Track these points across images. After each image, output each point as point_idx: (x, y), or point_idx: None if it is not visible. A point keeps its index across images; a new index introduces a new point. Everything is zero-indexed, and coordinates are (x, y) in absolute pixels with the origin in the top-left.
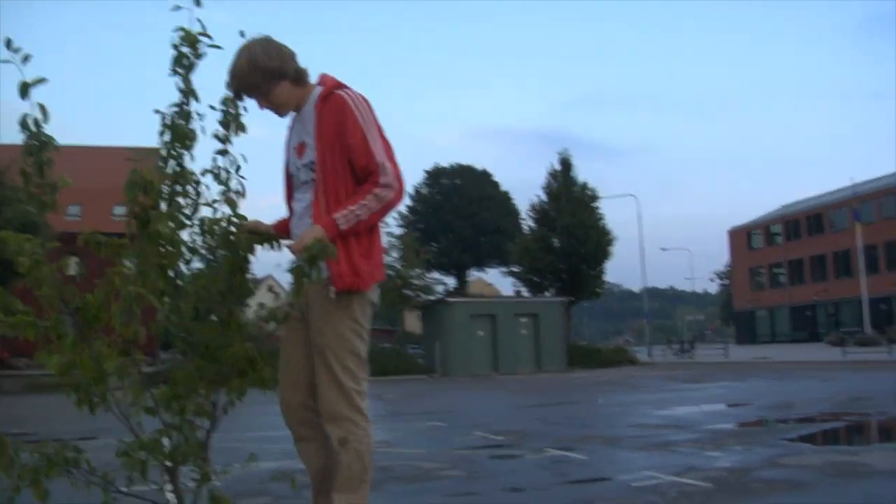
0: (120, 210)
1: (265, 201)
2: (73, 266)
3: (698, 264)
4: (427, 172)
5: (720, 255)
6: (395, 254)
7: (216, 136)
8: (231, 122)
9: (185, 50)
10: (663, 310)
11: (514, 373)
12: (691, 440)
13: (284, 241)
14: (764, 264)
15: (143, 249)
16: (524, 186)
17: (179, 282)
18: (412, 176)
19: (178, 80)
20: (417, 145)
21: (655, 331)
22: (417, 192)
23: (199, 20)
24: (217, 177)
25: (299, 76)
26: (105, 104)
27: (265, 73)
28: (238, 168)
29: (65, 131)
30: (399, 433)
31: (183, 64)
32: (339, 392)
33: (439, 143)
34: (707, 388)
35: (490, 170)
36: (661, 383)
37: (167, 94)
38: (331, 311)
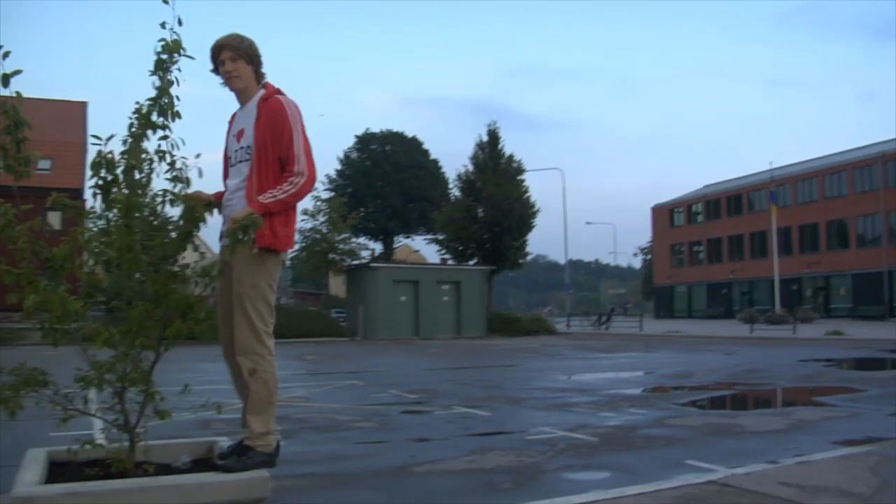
0: (44, 164)
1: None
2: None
3: (623, 239)
4: (357, 137)
5: (644, 231)
6: (322, 217)
7: (158, 126)
8: (168, 111)
9: (164, 56)
10: (588, 282)
11: (434, 338)
12: (590, 402)
13: (219, 210)
14: (684, 241)
15: (104, 213)
16: (453, 156)
17: (139, 241)
18: (342, 140)
19: (155, 79)
20: (349, 108)
21: (579, 303)
22: (347, 156)
23: (176, 33)
24: (162, 157)
25: (259, 74)
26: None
27: (249, 50)
28: (179, 151)
29: (34, 83)
30: (317, 390)
31: (161, 67)
32: (251, 330)
33: (370, 108)
34: (616, 358)
35: (420, 138)
36: (574, 352)
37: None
38: (250, 266)
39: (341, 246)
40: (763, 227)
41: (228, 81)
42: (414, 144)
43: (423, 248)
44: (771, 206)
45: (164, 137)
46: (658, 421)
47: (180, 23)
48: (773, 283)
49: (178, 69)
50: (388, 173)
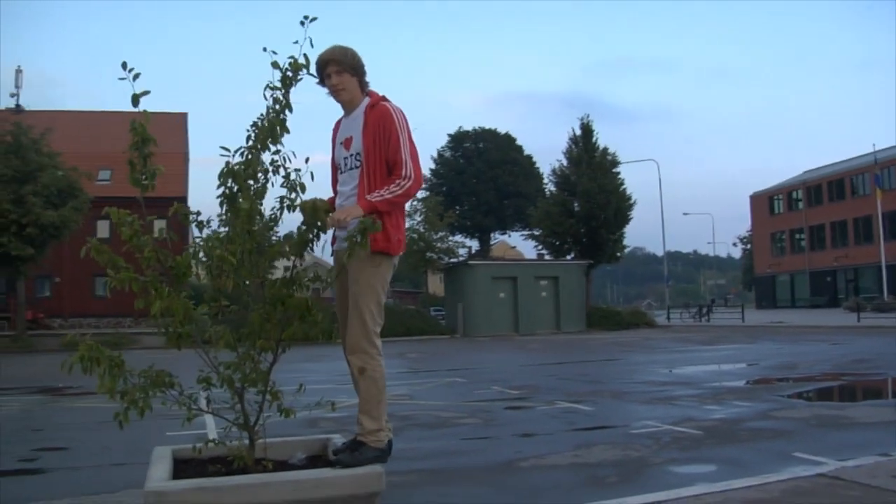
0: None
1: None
2: (104, 229)
3: (721, 229)
4: (450, 136)
5: (743, 220)
6: (418, 217)
7: (277, 138)
8: (278, 126)
9: (289, 73)
10: (687, 274)
11: (533, 333)
12: (693, 395)
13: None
14: (785, 229)
15: (230, 221)
16: (547, 151)
17: (259, 245)
18: (436, 139)
19: (278, 93)
20: (441, 108)
21: (678, 294)
22: (441, 155)
23: (305, 55)
24: (276, 170)
25: (364, 83)
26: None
27: (353, 61)
28: (291, 163)
29: (94, 96)
30: (420, 388)
31: (286, 83)
32: (363, 330)
33: (462, 107)
34: (718, 350)
35: (513, 134)
36: (675, 345)
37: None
38: (365, 267)
39: (438, 244)
40: (868, 211)
41: (335, 94)
42: (507, 141)
43: (520, 243)
44: (876, 189)
45: (277, 152)
46: (763, 413)
47: (312, 44)
48: (881, 270)
49: (275, 88)
50: (482, 170)
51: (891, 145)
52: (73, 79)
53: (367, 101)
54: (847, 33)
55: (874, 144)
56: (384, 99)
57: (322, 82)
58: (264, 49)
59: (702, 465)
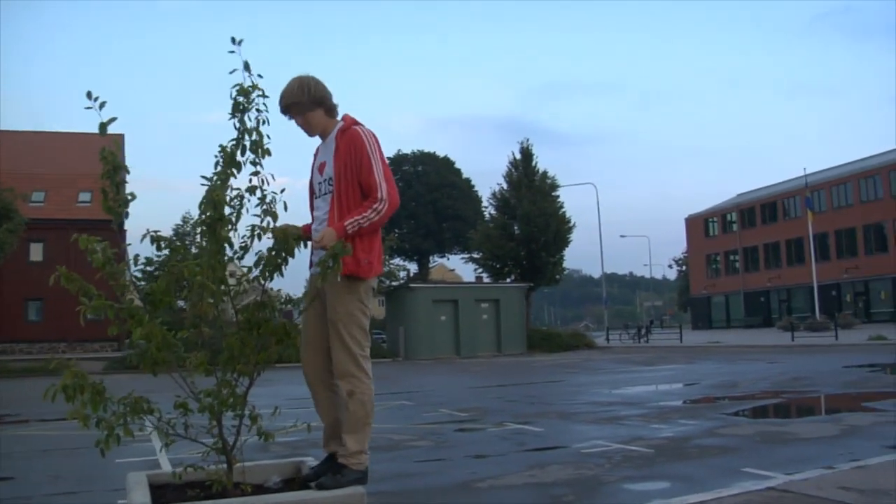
0: (85, 196)
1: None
2: (37, 252)
3: (657, 251)
4: (389, 159)
5: (678, 242)
6: None
7: (250, 162)
8: (259, 149)
9: (240, 99)
10: (623, 295)
11: (475, 356)
12: (639, 415)
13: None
14: (720, 251)
15: (208, 249)
16: (487, 174)
17: (232, 273)
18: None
19: (235, 121)
20: (380, 131)
21: (615, 316)
22: (384, 161)
23: (250, 78)
24: (252, 192)
25: (331, 109)
26: (67, 90)
27: (310, 98)
28: (268, 186)
29: (31, 117)
30: None
31: (238, 109)
32: (348, 355)
33: (401, 130)
34: (659, 370)
35: (452, 157)
36: (616, 366)
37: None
38: (342, 293)
39: None
40: (799, 233)
41: (306, 132)
42: (446, 164)
43: (459, 266)
44: (807, 211)
45: (256, 174)
46: (710, 431)
47: (247, 68)
48: (812, 290)
49: (258, 109)
50: (421, 193)
51: (820, 169)
52: (7, 98)
53: (339, 125)
54: (777, 60)
55: (805, 168)
56: (356, 123)
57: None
58: (231, 72)
59: (655, 482)
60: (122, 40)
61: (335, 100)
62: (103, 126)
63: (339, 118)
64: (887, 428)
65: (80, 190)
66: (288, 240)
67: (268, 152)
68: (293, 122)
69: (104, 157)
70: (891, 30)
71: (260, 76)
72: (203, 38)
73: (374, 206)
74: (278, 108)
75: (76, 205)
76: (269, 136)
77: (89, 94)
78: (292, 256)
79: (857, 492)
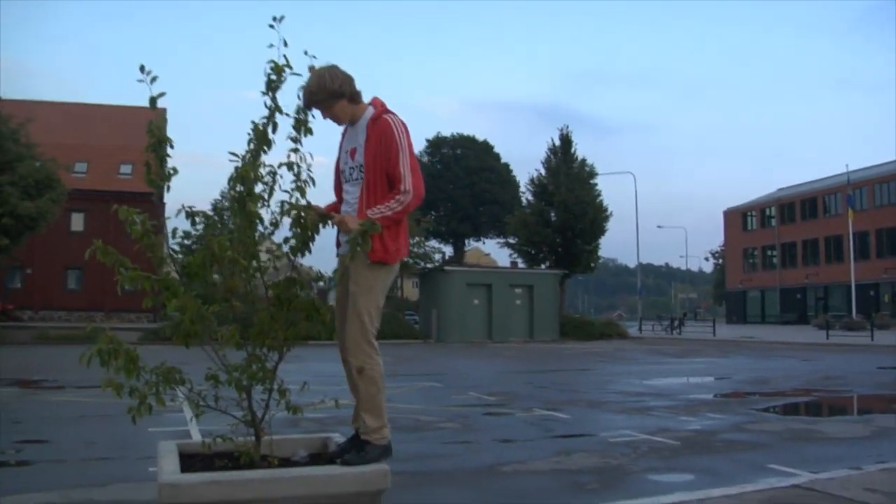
0: (126, 168)
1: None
2: (78, 222)
3: (694, 243)
4: (428, 141)
5: (715, 235)
6: None
7: (290, 138)
8: (301, 127)
9: (272, 77)
10: (658, 286)
11: (507, 341)
12: (668, 406)
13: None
14: (757, 245)
15: (239, 224)
16: (524, 160)
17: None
18: (414, 144)
19: (267, 98)
20: (419, 113)
21: (649, 307)
22: (418, 160)
23: (284, 56)
24: (290, 168)
25: (354, 97)
26: (112, 61)
27: (329, 93)
28: (308, 163)
29: (72, 88)
30: (397, 391)
31: (272, 87)
32: (361, 331)
33: (441, 113)
34: (690, 363)
35: (491, 141)
36: (648, 356)
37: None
38: (367, 270)
39: (414, 249)
40: (839, 231)
41: (335, 122)
42: (485, 148)
43: (494, 251)
44: (848, 209)
45: (295, 150)
46: (737, 426)
47: (286, 44)
48: (850, 289)
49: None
50: (460, 177)
51: (863, 166)
52: (51, 70)
53: (370, 111)
54: (825, 53)
55: (847, 165)
56: (386, 111)
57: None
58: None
59: (680, 473)
60: (165, 11)
61: (360, 85)
62: (153, 100)
63: (367, 102)
64: None
65: (122, 162)
66: (307, 222)
67: (310, 131)
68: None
69: (150, 131)
70: None
71: (307, 53)
72: (247, 15)
73: (398, 197)
74: (304, 107)
75: (117, 176)
76: (313, 116)
77: (142, 68)
78: (312, 239)
79: (882, 494)
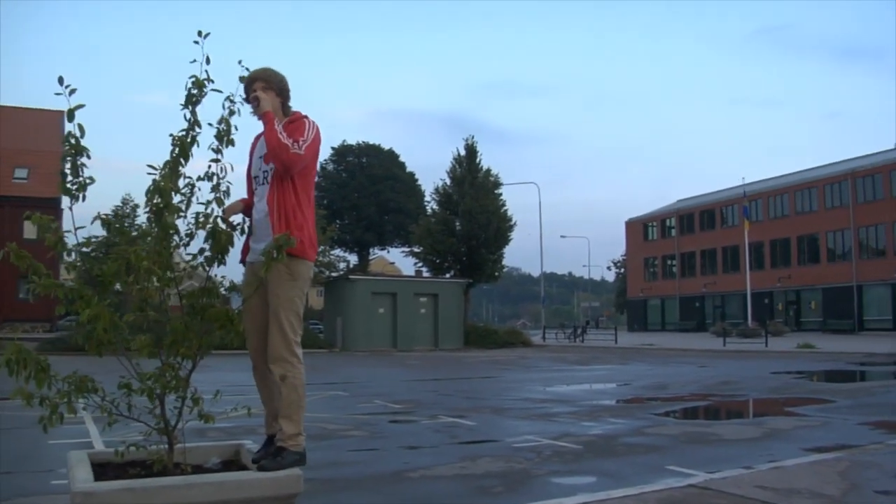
0: (21, 173)
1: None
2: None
3: (596, 252)
4: (333, 149)
5: (617, 245)
6: None
7: (212, 149)
8: (224, 138)
9: (193, 91)
10: (561, 295)
11: (411, 349)
12: (571, 412)
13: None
14: (658, 255)
15: (156, 235)
16: (430, 169)
17: (178, 260)
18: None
19: (186, 112)
20: (324, 121)
21: (553, 315)
22: (323, 168)
23: (206, 72)
24: (210, 179)
25: (286, 107)
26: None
27: (280, 84)
28: (225, 174)
29: (12, 92)
30: None
31: (191, 101)
32: (284, 340)
33: (346, 121)
34: (593, 370)
35: (397, 150)
36: (551, 364)
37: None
38: (284, 280)
39: (319, 258)
40: (736, 241)
41: (255, 109)
42: (390, 157)
43: (399, 260)
44: (744, 220)
45: (216, 161)
46: (637, 430)
47: (208, 61)
48: (746, 297)
49: (230, 100)
50: (365, 185)
51: (758, 179)
52: None
53: (285, 120)
54: (718, 71)
55: (743, 178)
56: (305, 116)
57: (248, 99)
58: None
59: (582, 476)
60: (60, 6)
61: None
62: (71, 112)
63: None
64: (807, 431)
65: (17, 166)
66: (221, 237)
67: (231, 142)
68: (249, 102)
69: (66, 140)
70: (824, 48)
71: (239, 62)
72: (149, 17)
73: (296, 144)
74: (243, 85)
75: (12, 181)
76: (236, 128)
77: (61, 80)
78: (226, 252)
79: (772, 490)
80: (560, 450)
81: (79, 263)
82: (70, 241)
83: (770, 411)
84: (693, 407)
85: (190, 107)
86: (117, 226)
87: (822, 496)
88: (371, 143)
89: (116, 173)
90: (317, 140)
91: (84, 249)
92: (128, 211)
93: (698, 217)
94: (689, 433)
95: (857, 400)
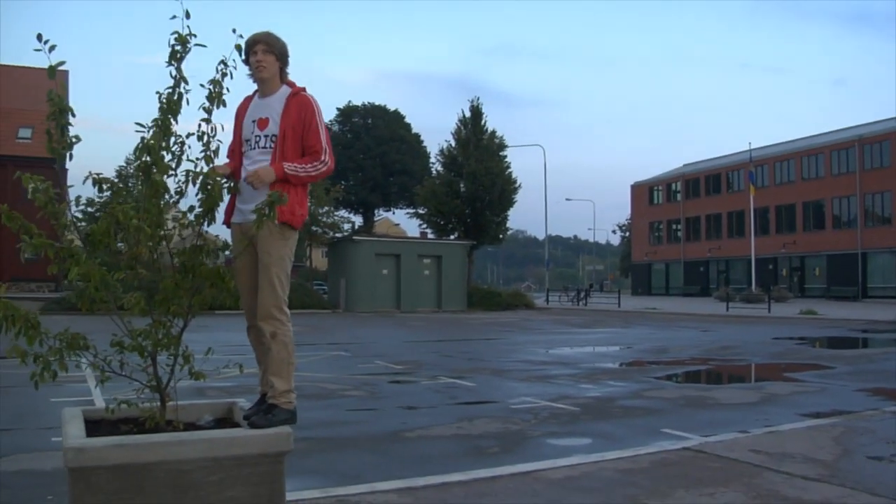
0: (25, 133)
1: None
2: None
3: (601, 216)
4: (339, 110)
5: (623, 208)
6: None
7: (203, 108)
8: (215, 98)
9: (177, 47)
10: (566, 258)
11: (415, 311)
12: (570, 374)
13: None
14: (663, 219)
15: (145, 193)
16: (435, 130)
17: (169, 218)
18: (324, 113)
19: (172, 69)
20: (329, 82)
21: (557, 278)
22: (328, 129)
23: (188, 27)
24: (200, 138)
25: (284, 73)
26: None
27: (281, 48)
28: (215, 133)
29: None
30: (304, 360)
31: (176, 57)
32: (274, 297)
33: (352, 82)
34: (594, 333)
35: (402, 111)
36: (554, 327)
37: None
38: (275, 239)
39: (323, 219)
40: (741, 206)
41: (256, 71)
42: (396, 118)
43: (404, 221)
44: (750, 185)
45: (207, 121)
46: (636, 393)
47: (188, 15)
48: (750, 263)
49: (225, 63)
50: (370, 146)
51: (765, 144)
52: None
53: (287, 89)
54: (730, 34)
55: (750, 143)
56: (304, 90)
57: (247, 61)
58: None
59: (578, 438)
60: None
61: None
62: (52, 69)
63: (283, 83)
64: (804, 397)
65: (21, 125)
66: (213, 191)
67: (223, 103)
68: (248, 64)
69: (51, 99)
70: (830, 15)
71: (234, 30)
72: None
73: (316, 163)
74: (244, 47)
75: (16, 141)
76: (228, 89)
77: (39, 37)
78: (217, 208)
79: (766, 454)
80: (557, 412)
81: (68, 222)
82: (73, 200)
83: (769, 376)
84: (693, 371)
85: (175, 63)
86: (108, 185)
87: (815, 461)
88: (377, 103)
89: (127, 135)
90: (325, 124)
91: (75, 209)
92: (131, 171)
93: (704, 182)
94: (687, 397)
95: (857, 367)
